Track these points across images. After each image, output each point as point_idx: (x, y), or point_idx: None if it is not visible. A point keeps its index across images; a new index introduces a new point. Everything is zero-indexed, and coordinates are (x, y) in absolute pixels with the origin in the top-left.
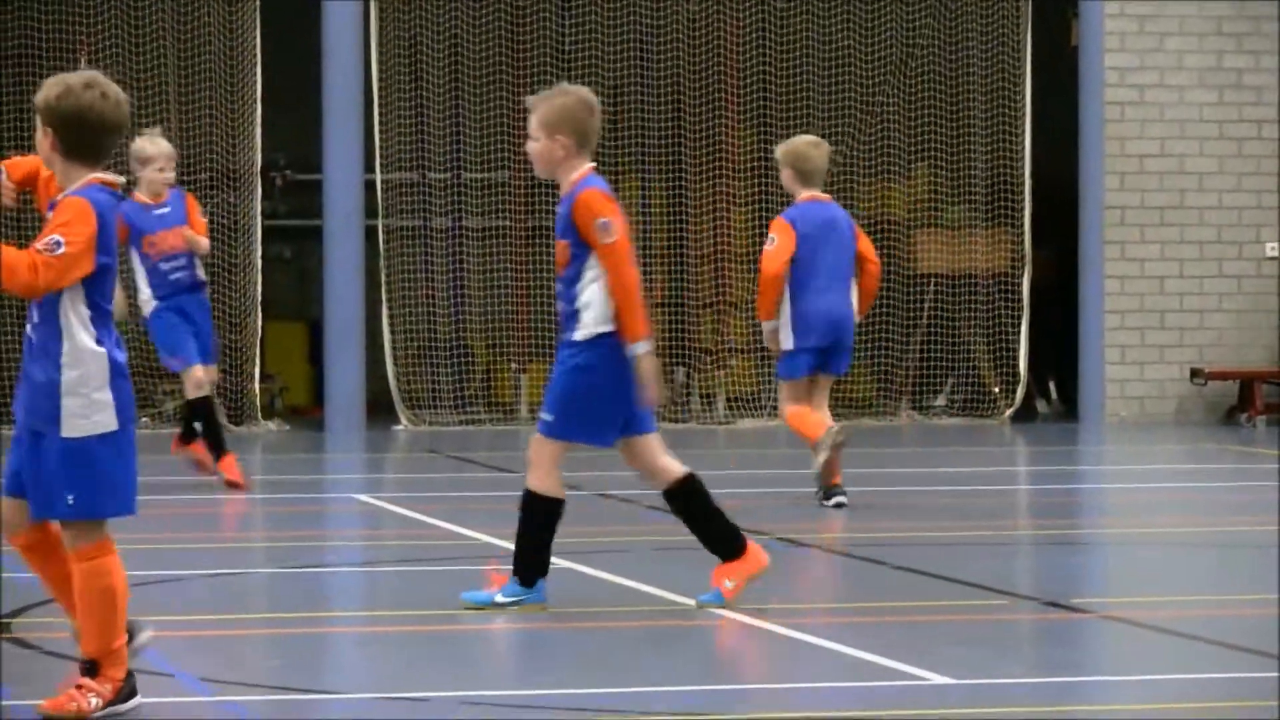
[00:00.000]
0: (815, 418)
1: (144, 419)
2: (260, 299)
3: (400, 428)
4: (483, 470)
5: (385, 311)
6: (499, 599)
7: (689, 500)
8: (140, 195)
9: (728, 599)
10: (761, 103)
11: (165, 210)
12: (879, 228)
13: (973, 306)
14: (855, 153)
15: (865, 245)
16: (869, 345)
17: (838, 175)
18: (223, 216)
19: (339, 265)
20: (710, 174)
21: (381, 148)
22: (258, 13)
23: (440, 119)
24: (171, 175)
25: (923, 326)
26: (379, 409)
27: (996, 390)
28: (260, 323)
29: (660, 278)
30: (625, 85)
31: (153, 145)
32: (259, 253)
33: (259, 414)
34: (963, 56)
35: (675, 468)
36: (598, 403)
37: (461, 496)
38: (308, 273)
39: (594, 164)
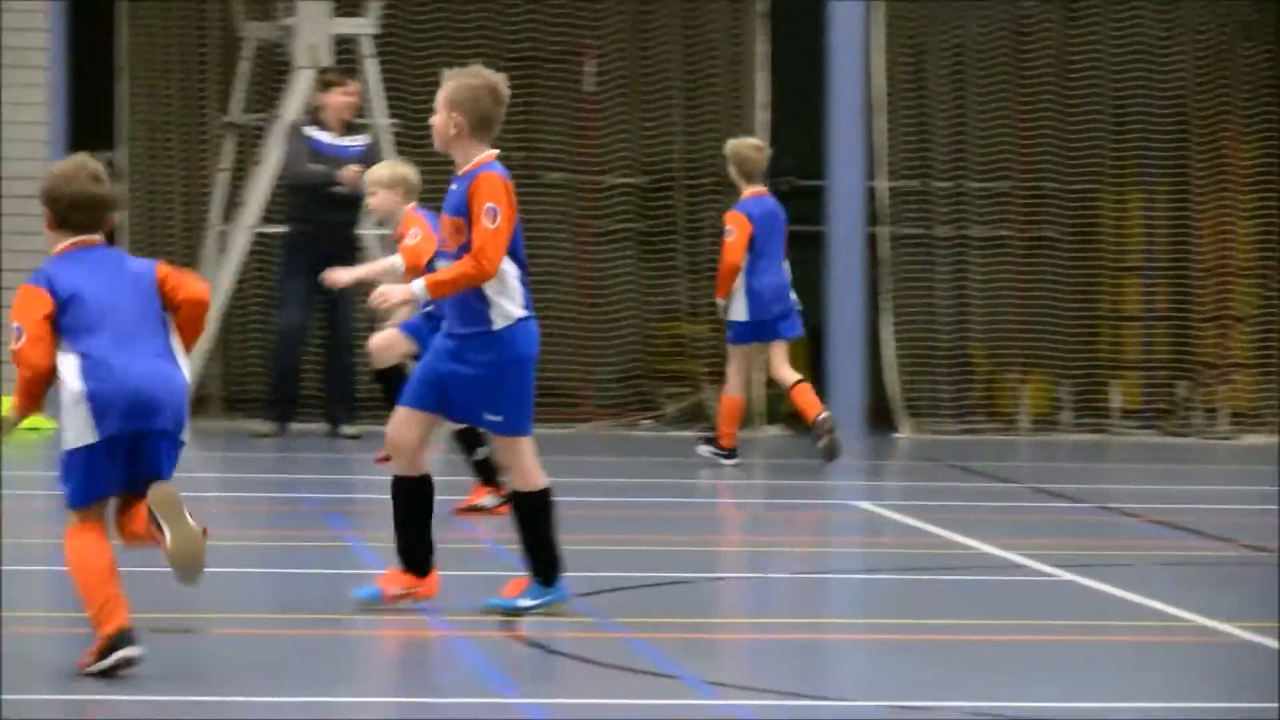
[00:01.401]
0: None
1: (646, 420)
2: None
3: (900, 435)
4: (983, 480)
5: (887, 319)
6: (523, 603)
7: (417, 498)
8: None
9: (386, 601)
10: (1267, 115)
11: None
12: None
13: None
14: None
15: None
16: None
17: None
18: None
19: (842, 272)
20: (1215, 186)
21: (885, 155)
22: (764, 19)
23: (943, 127)
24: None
25: None
26: (879, 416)
27: None
28: None
29: (1163, 291)
30: (1129, 96)
31: None
32: None
33: (761, 419)
34: None
35: (424, 463)
36: (531, 387)
37: (962, 506)
38: (809, 279)
39: (496, 152)
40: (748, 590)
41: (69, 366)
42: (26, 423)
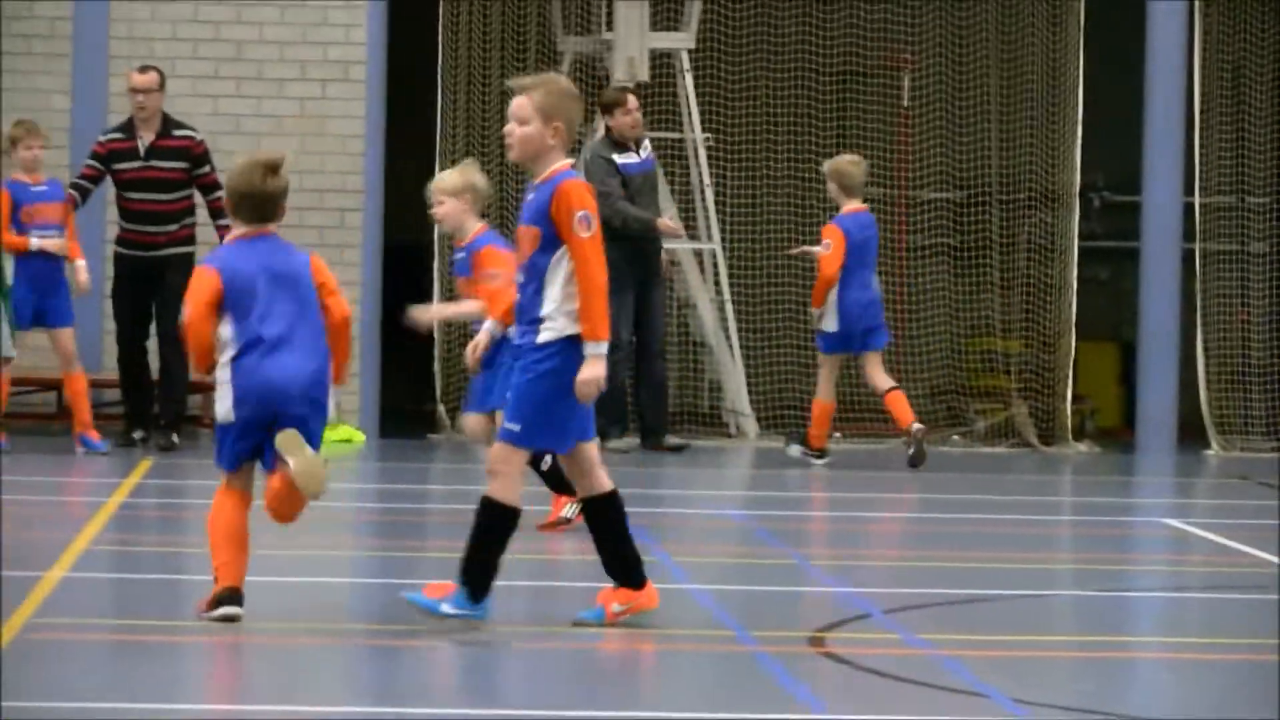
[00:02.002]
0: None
1: (955, 435)
2: (1074, 320)
3: (1210, 452)
4: None
5: (1200, 335)
6: (445, 609)
7: (607, 515)
8: None
9: (609, 620)
10: None
11: None
12: None
13: None
14: None
15: None
16: None
17: None
18: (1040, 237)
19: (1155, 288)
20: None
21: (1201, 170)
22: (1082, 33)
23: (1261, 142)
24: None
25: None
26: (1189, 432)
27: None
28: (1074, 343)
29: None
30: None
31: None
32: (1075, 273)
33: (1069, 435)
34: None
35: (604, 480)
36: (566, 408)
37: (1272, 524)
38: (1122, 294)
39: (571, 161)
40: (1055, 607)
41: (223, 352)
42: (339, 434)
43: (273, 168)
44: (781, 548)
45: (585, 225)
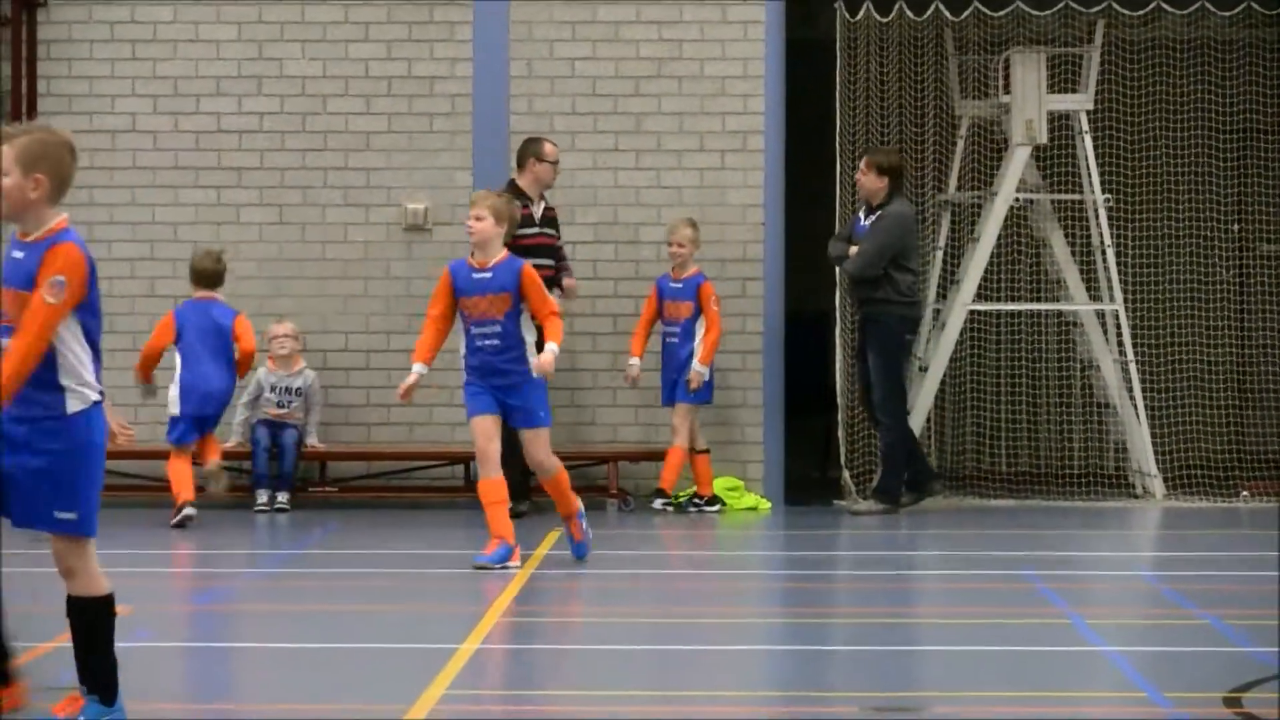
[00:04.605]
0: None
1: None
2: None
3: None
4: None
5: None
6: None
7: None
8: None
9: None
10: None
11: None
12: None
13: None
14: None
15: None
16: None
17: None
18: None
19: None
20: None
21: None
22: None
23: None
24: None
25: None
26: None
27: None
28: None
29: None
30: None
31: None
32: None
33: None
34: None
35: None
36: (101, 482)
37: None
38: None
39: (67, 216)
40: None
41: (177, 370)
42: (744, 502)
43: (213, 255)
44: (1192, 608)
45: (54, 291)
